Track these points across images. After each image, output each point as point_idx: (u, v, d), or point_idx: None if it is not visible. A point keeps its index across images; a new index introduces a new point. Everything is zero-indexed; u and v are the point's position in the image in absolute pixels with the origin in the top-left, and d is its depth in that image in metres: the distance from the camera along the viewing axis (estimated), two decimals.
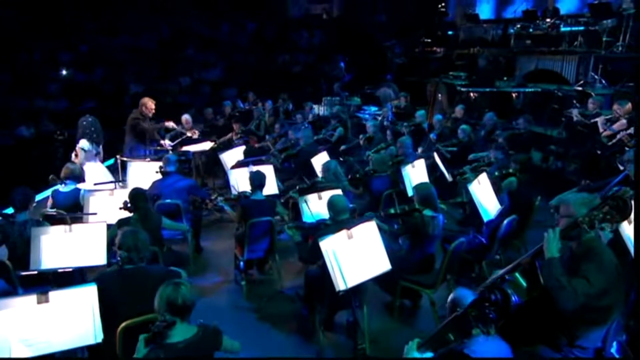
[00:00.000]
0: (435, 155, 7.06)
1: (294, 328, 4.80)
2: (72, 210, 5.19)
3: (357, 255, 3.68)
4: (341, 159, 7.82)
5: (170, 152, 7.16)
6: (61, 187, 5.46)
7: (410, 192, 5.62)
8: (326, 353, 4.39)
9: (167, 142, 7.79)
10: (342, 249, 3.62)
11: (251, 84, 13.30)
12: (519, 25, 13.15)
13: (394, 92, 12.40)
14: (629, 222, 3.50)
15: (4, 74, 14.23)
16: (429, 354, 2.54)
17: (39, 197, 6.00)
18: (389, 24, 16.84)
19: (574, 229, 2.90)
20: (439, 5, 16.59)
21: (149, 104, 7.80)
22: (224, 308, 5.18)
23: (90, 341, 3.28)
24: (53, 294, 3.26)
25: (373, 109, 11.69)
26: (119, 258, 3.53)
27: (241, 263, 5.40)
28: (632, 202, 2.75)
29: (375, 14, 17.82)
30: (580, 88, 10.13)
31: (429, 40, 14.85)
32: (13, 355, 3.11)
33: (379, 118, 10.03)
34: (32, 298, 3.21)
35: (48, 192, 5.71)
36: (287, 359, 4.30)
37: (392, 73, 13.75)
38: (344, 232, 3.69)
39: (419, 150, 8.39)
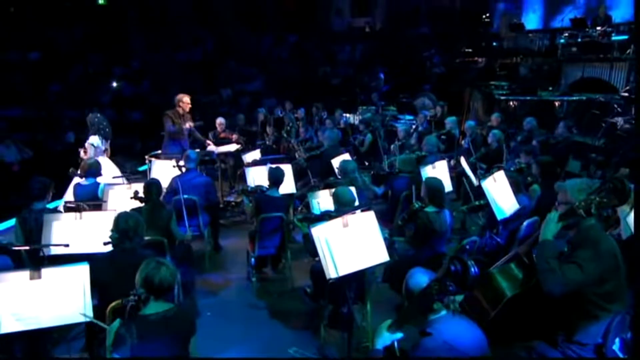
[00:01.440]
0: (462, 159, 6.82)
1: (299, 325, 4.72)
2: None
3: (351, 244, 3.56)
4: (366, 162, 7.71)
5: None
6: (82, 181, 5.63)
7: None
8: (327, 349, 4.26)
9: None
10: (336, 237, 3.52)
11: (290, 95, 13.43)
12: (566, 34, 12.68)
13: (431, 102, 12.20)
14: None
15: (59, 85, 15.02)
16: (399, 334, 2.48)
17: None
18: (432, 35, 16.66)
19: (571, 215, 2.78)
20: (483, 16, 16.30)
21: (185, 99, 8.00)
22: (233, 303, 5.16)
23: (79, 319, 3.31)
24: (45, 271, 3.31)
25: (408, 117, 11.53)
26: (109, 239, 3.56)
27: (252, 259, 5.36)
28: (630, 184, 2.59)
29: (419, 27, 17.70)
30: (626, 94, 9.60)
31: (470, 50, 14.56)
32: (2, 328, 3.17)
33: (413, 126, 9.87)
34: (25, 274, 3.28)
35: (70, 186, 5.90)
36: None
37: (431, 83, 13.55)
38: (339, 220, 3.59)
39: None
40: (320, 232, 3.47)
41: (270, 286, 5.50)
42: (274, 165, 5.74)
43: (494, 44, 15.74)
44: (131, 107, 14.78)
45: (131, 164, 9.50)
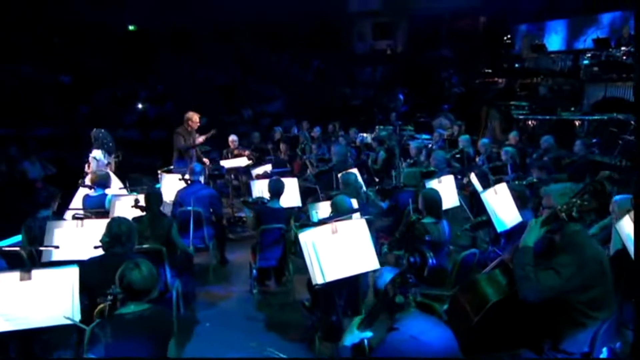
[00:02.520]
0: (473, 175, 6.71)
1: (296, 337, 4.68)
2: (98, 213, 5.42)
3: (340, 251, 3.53)
4: (376, 179, 7.66)
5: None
6: (91, 192, 5.75)
7: None
8: None
9: (207, 161, 8.02)
10: (324, 243, 3.50)
11: (309, 115, 13.55)
12: (589, 54, 12.52)
13: (449, 121, 12.13)
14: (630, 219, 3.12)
15: (87, 107, 15.53)
16: (369, 333, 2.45)
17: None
18: (454, 58, 16.64)
19: (554, 220, 2.73)
20: (505, 38, 16.22)
21: (195, 117, 8.15)
22: (232, 314, 5.14)
23: (67, 321, 3.33)
24: (35, 272, 3.37)
25: (425, 136, 11.46)
26: (99, 243, 3.61)
27: (254, 271, 5.35)
28: (611, 185, 2.57)
29: (440, 49, 17.72)
30: None
31: (490, 71, 14.48)
32: None
33: (429, 145, 9.81)
34: (16, 275, 3.34)
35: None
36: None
37: (449, 103, 13.49)
38: (327, 226, 3.56)
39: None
40: (307, 237, 3.45)
41: (272, 299, 5.48)
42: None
43: (516, 65, 15.62)
44: (154, 127, 15.13)
45: (147, 179, 9.67)
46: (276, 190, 5.25)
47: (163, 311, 2.96)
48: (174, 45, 20.35)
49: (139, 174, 9.07)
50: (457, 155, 8.59)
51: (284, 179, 5.83)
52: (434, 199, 4.65)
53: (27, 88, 17.40)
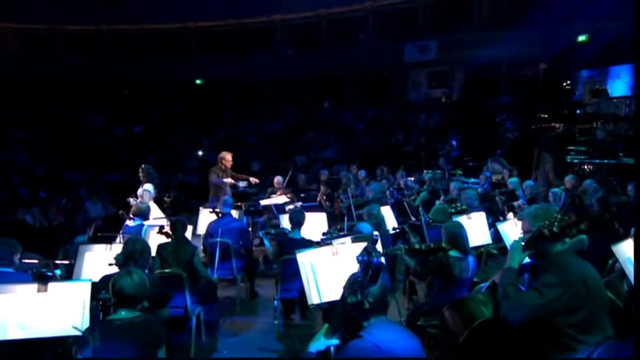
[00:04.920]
0: (511, 215, 6.49)
1: None
2: None
3: (339, 273, 3.50)
4: (413, 218, 7.53)
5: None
6: (130, 222, 6.07)
7: None
8: None
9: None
10: (323, 264, 3.51)
11: (360, 160, 13.69)
12: None
13: (500, 166, 11.81)
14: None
15: (150, 155, 16.51)
16: (335, 340, 2.43)
17: None
18: (511, 104, 16.39)
19: (536, 242, 2.71)
20: (564, 84, 15.83)
21: (227, 157, 8.54)
22: (252, 345, 5.17)
23: (75, 332, 3.50)
24: (52, 285, 3.59)
25: (473, 180, 11.20)
26: (114, 260, 3.79)
27: (275, 302, 5.37)
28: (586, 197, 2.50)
29: (498, 96, 17.54)
30: None
31: (546, 116, 14.11)
32: (7, 335, 3.43)
33: (477, 188, 9.58)
34: (33, 286, 3.57)
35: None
36: None
37: (503, 148, 13.18)
38: (328, 248, 3.58)
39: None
40: (305, 258, 3.48)
41: (294, 331, 5.46)
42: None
43: (577, 110, 15.15)
44: None
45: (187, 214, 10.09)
46: (297, 220, 5.32)
47: (154, 321, 3.05)
48: (236, 97, 21.49)
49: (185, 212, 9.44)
50: (502, 197, 8.34)
51: (313, 213, 5.91)
52: (456, 232, 4.52)
53: (99, 137, 18.85)
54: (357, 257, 2.35)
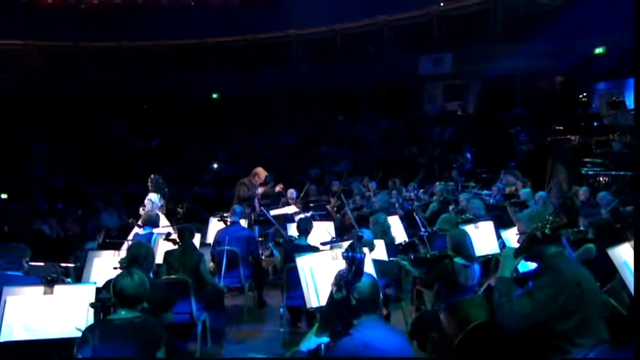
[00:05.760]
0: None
1: None
2: None
3: None
4: (422, 228, 7.51)
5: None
6: (140, 230, 6.16)
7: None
8: None
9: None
10: (322, 268, 3.53)
11: (373, 173, 13.68)
12: None
13: (515, 178, 11.71)
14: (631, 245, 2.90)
15: (166, 167, 16.74)
16: (325, 338, 2.46)
17: None
18: (526, 116, 16.28)
19: (530, 245, 2.75)
20: (581, 96, 15.71)
21: (262, 174, 8.60)
22: (256, 352, 5.15)
23: (79, 333, 3.56)
24: (57, 288, 3.67)
25: (486, 192, 11.12)
26: (118, 263, 3.87)
27: (281, 309, 5.39)
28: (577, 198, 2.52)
29: (513, 108, 17.45)
30: None
31: (561, 128, 14.01)
32: (13, 336, 3.51)
33: (489, 200, 9.52)
34: (40, 289, 3.66)
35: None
36: None
37: (517, 160, 13.09)
38: (327, 253, 3.62)
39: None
40: (304, 262, 3.51)
41: (300, 338, 5.38)
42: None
43: (595, 123, 15.01)
44: (227, 185, 15.91)
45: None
46: (304, 228, 5.37)
47: (153, 322, 3.09)
48: (251, 110, 21.72)
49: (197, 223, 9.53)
50: (515, 207, 8.26)
51: (320, 222, 5.95)
52: (461, 239, 4.53)
53: (118, 150, 19.19)
54: (343, 254, 2.38)
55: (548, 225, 2.56)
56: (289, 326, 5.66)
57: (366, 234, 4.60)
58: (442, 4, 19.42)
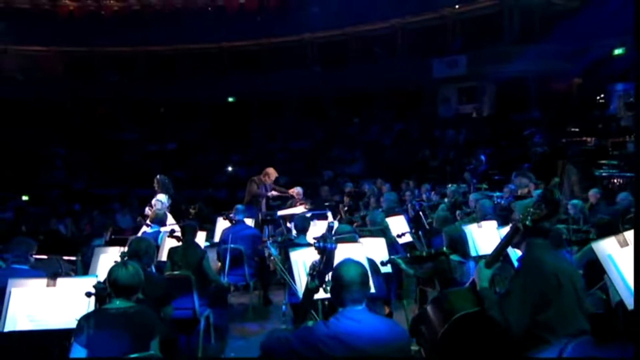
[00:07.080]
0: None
1: None
2: None
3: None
4: (427, 227, 7.51)
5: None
6: (148, 229, 6.28)
7: (473, 251, 5.22)
8: None
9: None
10: None
11: (386, 175, 13.69)
12: None
13: (528, 180, 11.60)
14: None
15: (180, 170, 16.98)
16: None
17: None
18: (542, 118, 16.13)
19: (512, 236, 2.78)
20: (598, 98, 15.51)
21: (272, 174, 8.68)
22: (258, 347, 5.18)
23: None
24: (60, 280, 3.77)
25: (498, 194, 11.04)
26: (119, 257, 3.95)
27: (283, 307, 5.42)
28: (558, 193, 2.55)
29: (529, 110, 17.29)
30: None
31: (577, 130, 13.84)
32: (17, 326, 3.62)
33: (500, 201, 9.45)
34: (43, 281, 3.76)
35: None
36: None
37: (531, 162, 12.96)
38: None
39: None
40: (298, 256, 3.56)
41: None
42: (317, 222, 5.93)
43: (612, 124, 14.80)
44: (241, 188, 16.05)
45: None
46: (301, 226, 5.40)
47: (148, 312, 3.16)
48: (265, 113, 21.86)
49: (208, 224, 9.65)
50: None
51: (324, 221, 5.98)
52: (456, 236, 4.56)
53: (134, 154, 19.48)
54: (315, 244, 2.44)
55: (529, 217, 2.56)
56: (292, 323, 5.69)
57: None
58: (456, 6, 19.35)
